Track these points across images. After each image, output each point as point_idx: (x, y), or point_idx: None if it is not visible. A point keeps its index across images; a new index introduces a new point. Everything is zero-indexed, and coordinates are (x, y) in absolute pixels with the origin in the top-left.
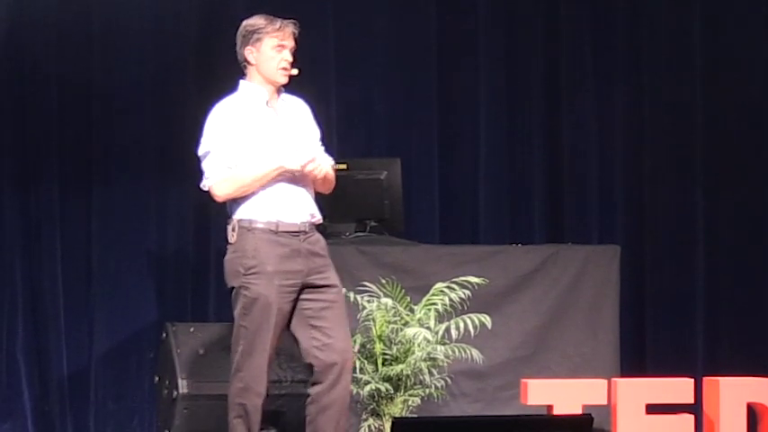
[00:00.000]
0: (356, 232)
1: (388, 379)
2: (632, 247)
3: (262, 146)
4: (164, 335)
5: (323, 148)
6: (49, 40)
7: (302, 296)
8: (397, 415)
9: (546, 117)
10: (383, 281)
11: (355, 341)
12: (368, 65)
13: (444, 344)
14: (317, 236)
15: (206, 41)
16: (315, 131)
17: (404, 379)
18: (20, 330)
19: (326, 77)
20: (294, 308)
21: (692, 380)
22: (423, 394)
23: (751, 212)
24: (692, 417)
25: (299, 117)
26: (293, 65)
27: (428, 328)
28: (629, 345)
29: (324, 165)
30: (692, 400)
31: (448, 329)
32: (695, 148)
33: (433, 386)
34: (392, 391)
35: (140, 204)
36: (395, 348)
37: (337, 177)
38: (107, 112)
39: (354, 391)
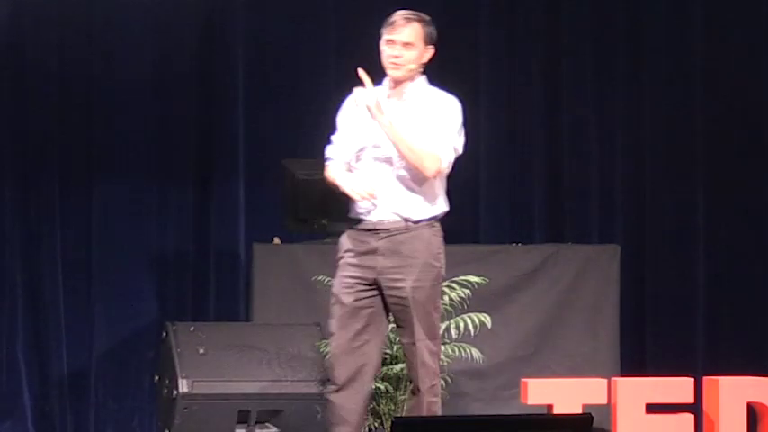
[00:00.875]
0: None
1: (388, 378)
2: (632, 247)
3: (362, 138)
4: (164, 334)
5: (448, 140)
6: (49, 40)
7: (388, 297)
8: (397, 415)
9: (546, 117)
10: None
11: None
12: (368, 64)
13: (444, 343)
14: (411, 235)
15: (206, 41)
16: (434, 125)
17: (404, 378)
18: (20, 330)
19: (327, 77)
20: (368, 304)
21: (692, 379)
22: None
23: (751, 212)
24: (692, 416)
25: (422, 112)
26: (434, 54)
27: None
28: (629, 345)
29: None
30: (692, 400)
31: (448, 329)
32: (695, 148)
33: None
34: (392, 391)
35: (140, 204)
36: (395, 348)
37: None
38: (107, 112)
39: None
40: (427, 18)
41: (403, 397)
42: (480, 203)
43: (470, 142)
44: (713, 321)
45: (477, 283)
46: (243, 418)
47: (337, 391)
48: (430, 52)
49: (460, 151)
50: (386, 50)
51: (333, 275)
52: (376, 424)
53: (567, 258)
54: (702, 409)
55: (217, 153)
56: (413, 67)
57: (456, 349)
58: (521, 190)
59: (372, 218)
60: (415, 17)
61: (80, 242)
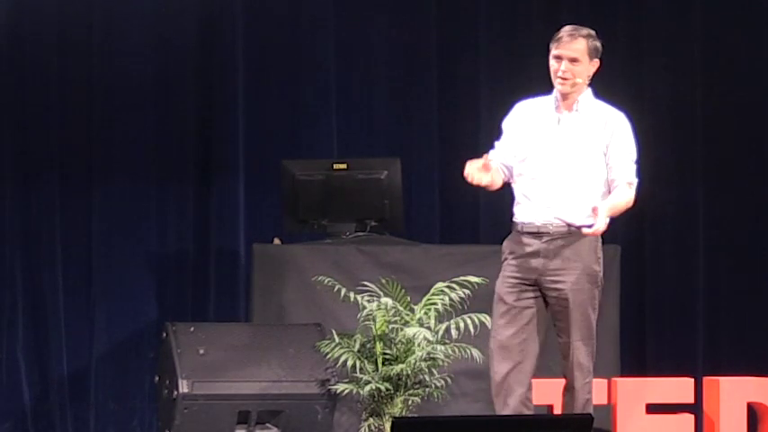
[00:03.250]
0: (356, 232)
1: (388, 379)
2: (632, 247)
3: (528, 147)
4: (164, 335)
5: (629, 162)
6: (49, 41)
7: (548, 298)
8: (397, 415)
9: None
10: (383, 280)
11: (355, 341)
12: (368, 65)
13: (444, 343)
14: (573, 239)
15: (206, 41)
16: (607, 143)
17: (404, 379)
18: (20, 330)
19: (326, 77)
20: (529, 304)
21: (692, 380)
22: (423, 394)
23: (751, 212)
24: (692, 417)
25: (589, 129)
26: (598, 71)
27: (428, 328)
28: (629, 345)
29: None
30: (692, 400)
31: (448, 329)
32: (695, 147)
33: (433, 386)
34: (392, 391)
35: (140, 204)
36: (395, 348)
37: (337, 177)
38: (107, 112)
39: (354, 391)
40: (593, 32)
41: (403, 397)
42: (480, 203)
43: (470, 142)
44: (713, 321)
45: (477, 283)
46: (243, 419)
47: (496, 386)
48: (595, 65)
49: None
50: (553, 65)
51: (334, 275)
52: (376, 424)
53: None
54: (703, 409)
55: (217, 153)
56: (579, 81)
57: (456, 349)
58: None
59: (536, 221)
60: (581, 32)
61: (80, 242)
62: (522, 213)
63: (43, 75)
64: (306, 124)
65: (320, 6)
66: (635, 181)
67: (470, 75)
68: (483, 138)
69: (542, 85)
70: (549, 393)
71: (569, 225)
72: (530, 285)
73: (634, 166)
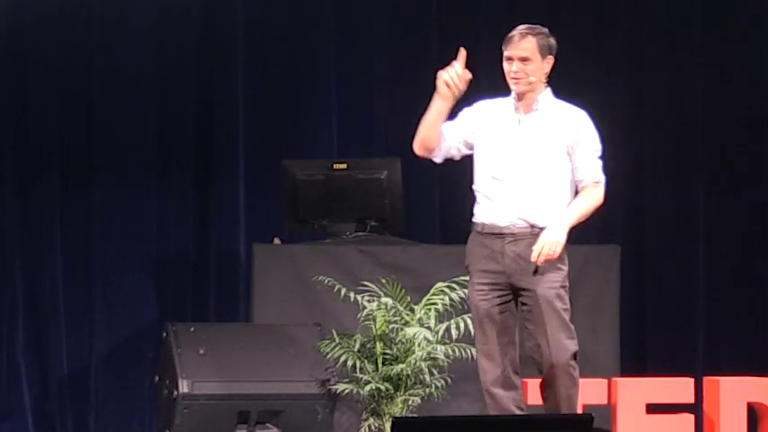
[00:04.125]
0: (356, 232)
1: (388, 378)
2: (632, 247)
3: (487, 151)
4: (164, 335)
5: (595, 161)
6: (49, 40)
7: (518, 298)
8: (397, 415)
9: None
10: (383, 280)
11: (355, 341)
12: (368, 65)
13: (444, 343)
14: (536, 240)
15: (206, 41)
16: (571, 143)
17: (404, 378)
18: (20, 330)
19: (327, 77)
20: (504, 309)
21: (692, 380)
22: (423, 394)
23: (751, 212)
24: (692, 416)
25: (550, 128)
26: (553, 70)
27: (428, 328)
28: (629, 345)
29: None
30: (692, 400)
31: (448, 329)
32: (695, 148)
33: (433, 386)
34: (392, 391)
35: (140, 204)
36: (395, 348)
37: (337, 177)
38: (107, 112)
39: (354, 391)
40: (544, 30)
41: (403, 397)
42: None
43: None
44: (713, 321)
45: None
46: (243, 419)
47: (486, 393)
48: (549, 63)
49: None
50: (505, 67)
51: (334, 275)
52: (377, 424)
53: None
54: (703, 409)
55: (217, 153)
56: (533, 79)
57: (456, 349)
58: None
59: (500, 222)
60: (530, 31)
61: (80, 242)
62: (485, 214)
63: (43, 75)
64: (306, 124)
65: (320, 6)
66: (602, 179)
67: (470, 74)
68: None
69: None
70: None
71: (533, 226)
72: (500, 288)
73: (600, 163)
